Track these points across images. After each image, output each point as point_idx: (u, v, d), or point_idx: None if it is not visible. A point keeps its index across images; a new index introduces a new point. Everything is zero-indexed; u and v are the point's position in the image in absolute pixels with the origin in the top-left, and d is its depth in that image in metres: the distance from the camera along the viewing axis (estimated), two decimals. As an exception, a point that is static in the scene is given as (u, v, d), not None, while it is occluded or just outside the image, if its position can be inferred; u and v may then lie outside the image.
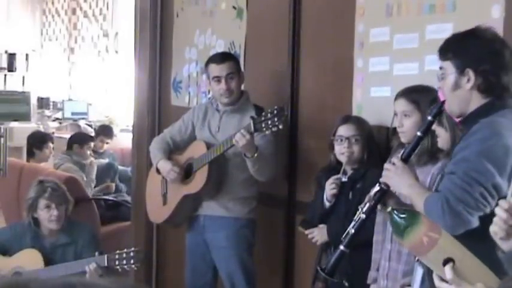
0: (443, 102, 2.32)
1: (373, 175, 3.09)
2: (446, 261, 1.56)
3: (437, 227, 1.60)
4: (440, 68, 2.33)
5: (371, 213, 2.42)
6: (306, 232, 3.28)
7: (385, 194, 2.38)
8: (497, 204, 1.74)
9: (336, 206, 3.19)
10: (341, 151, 3.18)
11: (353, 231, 2.40)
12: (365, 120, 3.27)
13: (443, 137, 2.48)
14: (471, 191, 2.14)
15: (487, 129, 2.20)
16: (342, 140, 3.18)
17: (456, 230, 2.08)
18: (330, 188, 3.15)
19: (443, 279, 1.60)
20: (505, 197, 1.67)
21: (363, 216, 2.40)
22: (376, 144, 3.24)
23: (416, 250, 1.60)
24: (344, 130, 3.20)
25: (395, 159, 2.39)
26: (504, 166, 2.16)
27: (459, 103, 2.29)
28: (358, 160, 3.19)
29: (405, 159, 2.38)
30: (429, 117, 2.36)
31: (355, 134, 3.18)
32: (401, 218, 1.60)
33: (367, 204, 2.40)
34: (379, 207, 2.41)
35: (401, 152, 2.44)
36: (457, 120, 2.36)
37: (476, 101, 2.28)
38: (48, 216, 3.79)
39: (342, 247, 2.41)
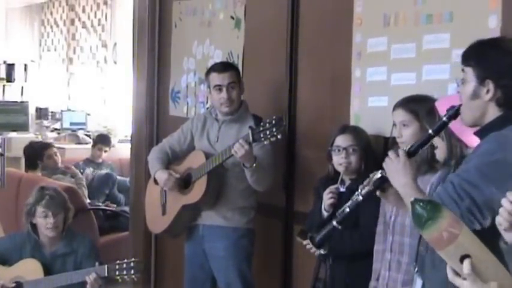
0: (460, 106, 2.24)
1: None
2: (463, 257, 1.56)
3: (459, 222, 1.58)
4: (462, 70, 2.24)
5: (369, 197, 2.39)
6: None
7: (386, 181, 2.33)
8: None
9: (334, 216, 3.18)
10: (339, 161, 3.18)
11: (348, 210, 2.40)
12: (362, 130, 3.27)
13: (440, 147, 2.47)
14: (460, 203, 2.08)
15: (492, 143, 2.13)
16: (339, 150, 3.18)
17: None
18: (327, 198, 3.14)
19: (457, 273, 1.59)
20: None
21: (360, 198, 2.38)
22: (374, 154, 3.23)
23: (435, 243, 1.59)
24: (341, 140, 3.19)
25: (401, 151, 2.31)
26: (503, 181, 2.05)
27: (474, 113, 2.22)
28: (356, 170, 3.18)
29: (411, 153, 2.31)
30: (444, 118, 2.28)
31: (353, 144, 3.18)
32: (423, 209, 1.58)
33: (366, 188, 2.38)
34: (377, 193, 2.38)
35: (410, 145, 2.36)
36: (472, 130, 2.31)
37: (492, 113, 2.20)
38: (45, 223, 3.81)
39: (334, 222, 2.42)
